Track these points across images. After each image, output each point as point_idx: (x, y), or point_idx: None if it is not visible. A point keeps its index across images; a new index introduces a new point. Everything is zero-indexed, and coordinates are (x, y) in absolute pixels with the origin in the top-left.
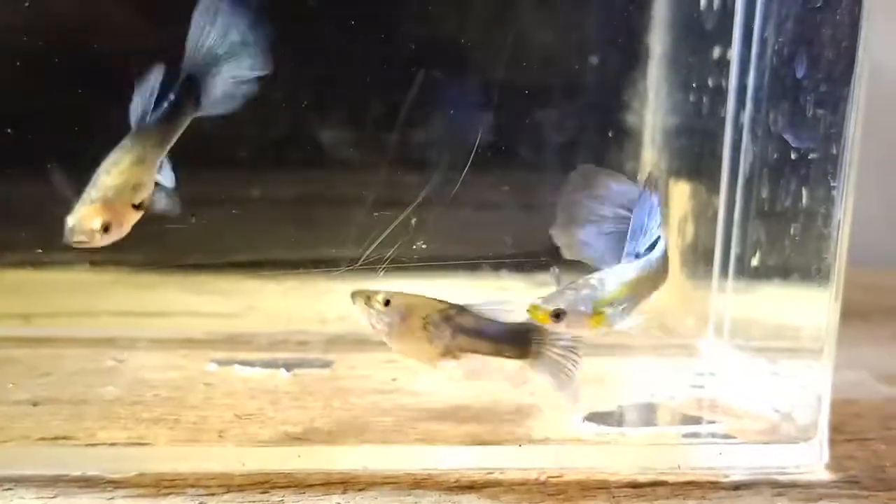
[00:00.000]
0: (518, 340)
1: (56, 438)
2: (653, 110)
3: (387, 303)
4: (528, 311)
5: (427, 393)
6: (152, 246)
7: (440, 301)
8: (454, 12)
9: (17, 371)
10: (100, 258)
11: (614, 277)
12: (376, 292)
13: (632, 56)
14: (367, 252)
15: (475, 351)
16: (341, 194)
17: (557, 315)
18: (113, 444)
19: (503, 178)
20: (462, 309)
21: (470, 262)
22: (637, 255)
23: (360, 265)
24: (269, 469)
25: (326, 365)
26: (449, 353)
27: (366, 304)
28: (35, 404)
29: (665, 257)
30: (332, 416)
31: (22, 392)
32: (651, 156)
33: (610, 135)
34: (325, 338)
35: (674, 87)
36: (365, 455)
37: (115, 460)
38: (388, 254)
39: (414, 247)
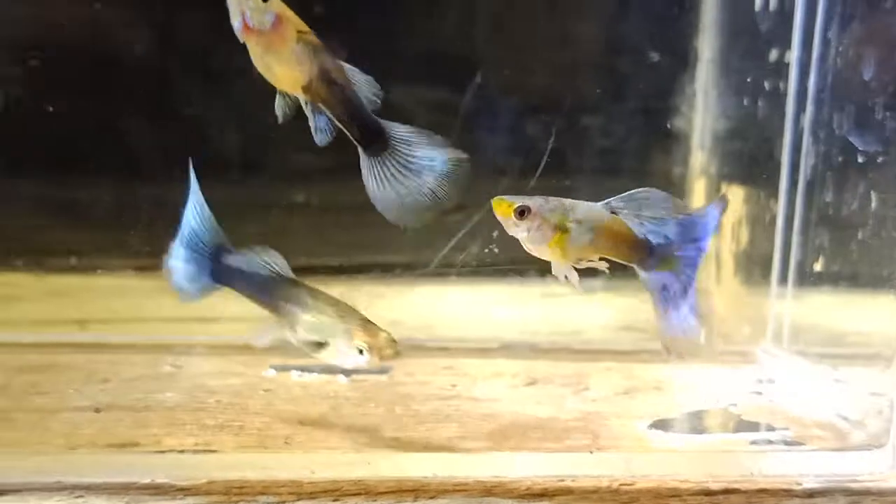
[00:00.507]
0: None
1: (123, 445)
2: (702, 114)
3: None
4: (493, 203)
5: (488, 399)
6: None
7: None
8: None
9: (76, 377)
10: (145, 264)
11: (587, 207)
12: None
13: (679, 60)
14: (441, 255)
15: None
16: None
17: (522, 212)
18: (181, 451)
19: (547, 183)
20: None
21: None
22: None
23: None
24: (339, 476)
25: (384, 371)
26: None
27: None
28: (98, 411)
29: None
30: (396, 423)
31: (83, 398)
32: (700, 159)
33: (657, 138)
34: None
35: (725, 90)
36: (434, 462)
37: (184, 467)
38: (462, 256)
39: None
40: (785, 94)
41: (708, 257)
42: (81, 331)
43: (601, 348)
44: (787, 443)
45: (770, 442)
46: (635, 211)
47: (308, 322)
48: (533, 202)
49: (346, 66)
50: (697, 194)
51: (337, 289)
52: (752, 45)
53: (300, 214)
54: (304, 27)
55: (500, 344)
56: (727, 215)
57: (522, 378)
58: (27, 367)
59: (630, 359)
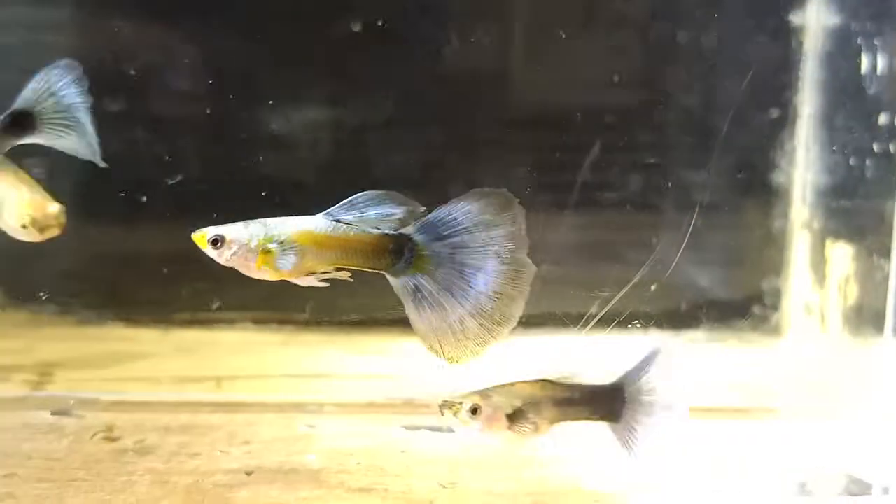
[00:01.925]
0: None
1: None
2: (802, 169)
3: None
4: (193, 237)
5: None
6: (305, 303)
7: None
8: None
9: (219, 438)
10: (262, 316)
11: (293, 224)
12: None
13: (778, 115)
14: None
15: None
16: None
17: (215, 241)
18: None
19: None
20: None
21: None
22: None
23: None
24: None
25: None
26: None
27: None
28: (249, 474)
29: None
30: (537, 486)
31: (231, 461)
32: (802, 213)
33: (756, 192)
34: None
35: (827, 147)
36: None
37: None
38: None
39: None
40: (892, 153)
41: (811, 311)
42: (218, 390)
43: None
44: None
45: None
46: (358, 216)
47: None
48: (227, 229)
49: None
50: (800, 248)
51: None
52: (857, 103)
53: None
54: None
55: None
56: (833, 266)
57: None
58: (173, 427)
59: None
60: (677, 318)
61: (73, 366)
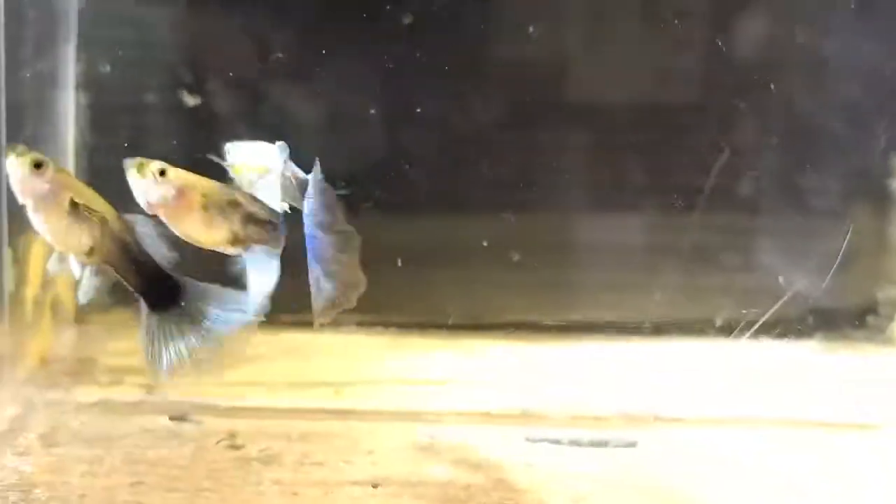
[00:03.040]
0: None
1: None
2: None
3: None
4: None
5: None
6: (413, 304)
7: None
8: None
9: (342, 446)
10: (367, 319)
11: None
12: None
13: None
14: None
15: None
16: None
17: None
18: None
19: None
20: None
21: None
22: None
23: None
24: None
25: (631, 444)
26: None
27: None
28: (375, 486)
29: None
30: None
31: (357, 471)
32: None
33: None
34: (620, 412)
35: None
36: None
37: None
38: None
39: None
40: None
41: None
42: (337, 397)
43: None
44: None
45: None
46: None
47: None
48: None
49: None
50: None
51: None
52: None
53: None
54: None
55: None
56: None
57: None
58: (293, 434)
59: None
60: (788, 326)
61: None
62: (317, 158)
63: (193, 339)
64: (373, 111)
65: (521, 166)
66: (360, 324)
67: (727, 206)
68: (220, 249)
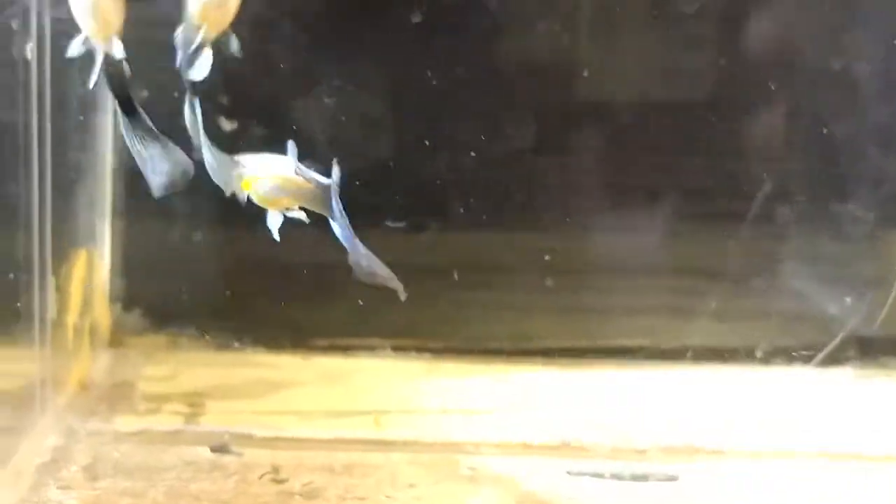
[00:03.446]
0: None
1: None
2: None
3: None
4: None
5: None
6: (447, 328)
7: None
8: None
9: (383, 479)
10: (402, 343)
11: None
12: None
13: None
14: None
15: None
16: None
17: None
18: None
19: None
20: None
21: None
22: None
23: None
24: None
25: (672, 478)
26: None
27: None
28: None
29: None
30: None
31: None
32: None
33: None
34: (660, 445)
35: None
36: None
37: None
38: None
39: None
40: None
41: None
42: (377, 427)
43: None
44: None
45: None
46: None
47: None
48: None
49: None
50: None
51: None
52: None
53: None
54: None
55: None
56: None
57: None
58: (336, 467)
59: None
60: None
61: (220, 395)
62: (335, 160)
63: None
64: (414, 137)
65: (558, 190)
66: (395, 348)
67: (769, 233)
68: None
